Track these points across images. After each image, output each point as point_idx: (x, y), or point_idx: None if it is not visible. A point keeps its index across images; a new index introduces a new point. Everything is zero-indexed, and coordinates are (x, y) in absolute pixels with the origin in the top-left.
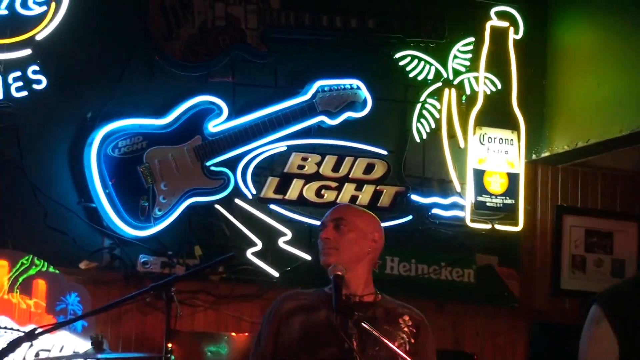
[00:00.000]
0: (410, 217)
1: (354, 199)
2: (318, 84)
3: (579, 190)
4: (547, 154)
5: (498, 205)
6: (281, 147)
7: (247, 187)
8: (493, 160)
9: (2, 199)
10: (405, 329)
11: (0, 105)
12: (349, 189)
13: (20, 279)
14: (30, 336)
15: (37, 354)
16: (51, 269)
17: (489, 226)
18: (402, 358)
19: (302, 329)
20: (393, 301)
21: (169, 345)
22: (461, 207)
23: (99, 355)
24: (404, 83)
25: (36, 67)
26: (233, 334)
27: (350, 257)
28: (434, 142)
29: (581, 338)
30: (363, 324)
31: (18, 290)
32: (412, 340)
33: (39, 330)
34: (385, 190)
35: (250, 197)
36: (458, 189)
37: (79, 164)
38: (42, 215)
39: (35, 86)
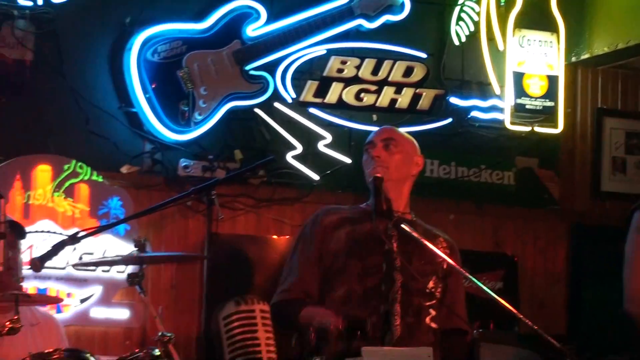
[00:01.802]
0: (450, 119)
1: (393, 102)
2: None
3: (619, 92)
4: (586, 56)
5: (537, 107)
6: (320, 50)
7: (286, 90)
8: (532, 63)
9: (44, 105)
10: (441, 250)
11: (40, 11)
12: (388, 92)
13: (64, 184)
14: (74, 239)
15: (80, 257)
16: (94, 176)
17: (528, 128)
18: (443, 260)
19: (349, 239)
20: (428, 225)
21: (211, 247)
22: (500, 110)
23: (142, 257)
24: None
25: None
26: (274, 236)
27: (397, 177)
28: (472, 44)
29: (626, 245)
30: (402, 225)
31: (62, 195)
32: (446, 264)
33: (82, 233)
34: (424, 93)
35: (289, 100)
36: (497, 91)
37: (119, 69)
38: (84, 121)
39: None
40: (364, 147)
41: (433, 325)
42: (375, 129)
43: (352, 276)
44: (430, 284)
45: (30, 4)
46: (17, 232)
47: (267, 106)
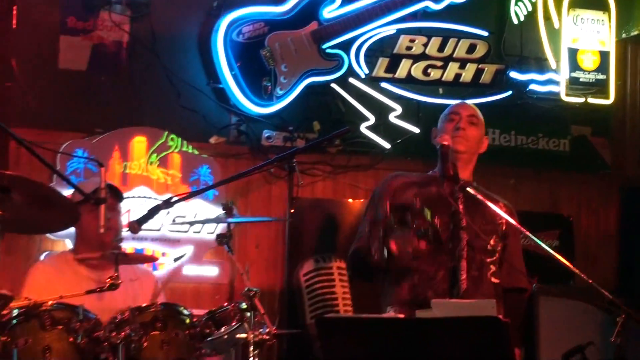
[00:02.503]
0: (510, 92)
1: (457, 76)
2: None
3: None
4: (636, 32)
5: (590, 80)
6: (390, 30)
7: (360, 67)
8: (585, 39)
9: (139, 82)
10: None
11: None
12: (453, 68)
13: (158, 154)
14: (167, 204)
15: (173, 220)
16: (185, 146)
17: (582, 100)
18: (502, 222)
19: (416, 199)
20: (488, 192)
21: (292, 210)
22: (556, 83)
23: (229, 219)
24: None
25: None
26: (349, 200)
27: (472, 151)
28: (530, 23)
29: None
30: (468, 188)
31: (156, 164)
32: (505, 226)
33: (175, 198)
34: (486, 68)
35: (363, 76)
36: (553, 66)
37: (207, 49)
38: (176, 96)
39: None
40: (447, 115)
41: (494, 280)
42: (441, 101)
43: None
44: (492, 242)
45: None
46: (116, 195)
47: (342, 81)
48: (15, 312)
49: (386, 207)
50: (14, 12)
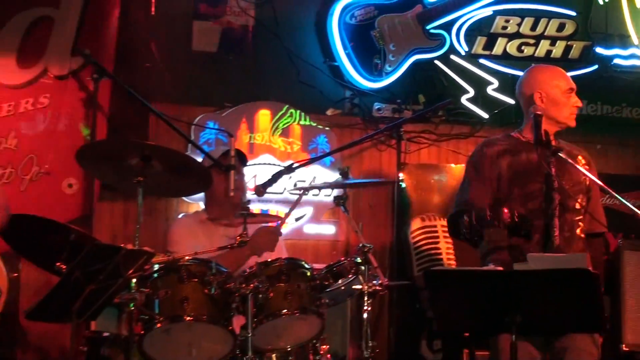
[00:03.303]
0: (596, 66)
1: (548, 52)
2: None
3: None
4: None
5: None
6: (487, 11)
7: (460, 45)
8: None
9: (263, 61)
10: (582, 166)
11: None
12: (544, 45)
13: (280, 125)
14: (289, 169)
15: (295, 184)
16: (304, 118)
17: None
18: (586, 178)
19: (510, 169)
20: (568, 144)
21: (401, 174)
22: (639, 57)
23: (346, 181)
24: None
25: None
26: (452, 165)
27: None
28: (614, 3)
29: None
30: (560, 154)
31: (279, 133)
32: (588, 180)
33: (296, 165)
34: (574, 45)
35: (463, 53)
36: (636, 42)
37: (323, 31)
38: (295, 73)
39: None
40: (564, 89)
41: (582, 235)
42: None
43: (515, 200)
44: (580, 201)
45: None
46: (241, 159)
47: (444, 58)
48: (156, 267)
49: (485, 174)
50: (152, 0)
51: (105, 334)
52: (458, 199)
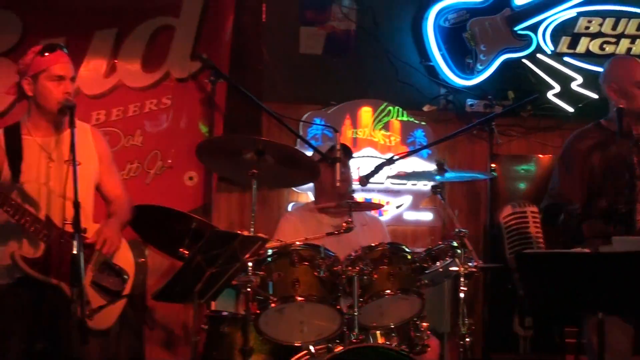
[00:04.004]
0: None
1: (628, 50)
2: None
3: None
4: None
5: None
6: (571, 13)
7: (546, 44)
8: None
9: (364, 62)
10: None
11: None
12: (624, 43)
13: (381, 120)
14: (390, 161)
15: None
16: (402, 114)
17: None
18: None
19: (602, 163)
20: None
21: (492, 165)
22: None
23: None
24: None
25: None
26: (540, 155)
27: None
28: None
29: None
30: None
31: (380, 128)
32: None
33: (396, 157)
34: None
35: (549, 52)
36: None
37: (419, 33)
38: (394, 73)
39: None
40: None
41: None
42: None
43: (608, 192)
44: None
45: None
46: (346, 152)
47: (531, 57)
48: (269, 252)
49: (577, 167)
50: (263, 8)
51: (225, 313)
52: (550, 191)
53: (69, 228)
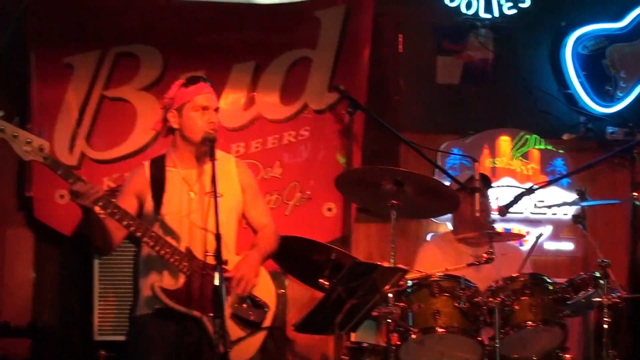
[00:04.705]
0: None
1: None
2: None
3: None
4: None
5: None
6: None
7: None
8: None
9: (502, 90)
10: None
11: (497, 21)
12: None
13: (519, 149)
14: (529, 191)
15: (535, 204)
16: (541, 143)
17: None
18: None
19: None
20: None
21: (634, 194)
22: None
23: (582, 204)
24: None
25: None
26: None
27: None
28: None
29: None
30: None
31: (518, 158)
32: None
33: (535, 186)
34: None
35: None
36: None
37: (557, 61)
38: (532, 101)
39: (520, 5)
40: None
41: None
42: None
43: None
44: None
45: (489, 16)
46: (485, 182)
47: None
48: (409, 283)
49: None
50: (400, 39)
51: (365, 345)
52: None
53: (211, 260)
